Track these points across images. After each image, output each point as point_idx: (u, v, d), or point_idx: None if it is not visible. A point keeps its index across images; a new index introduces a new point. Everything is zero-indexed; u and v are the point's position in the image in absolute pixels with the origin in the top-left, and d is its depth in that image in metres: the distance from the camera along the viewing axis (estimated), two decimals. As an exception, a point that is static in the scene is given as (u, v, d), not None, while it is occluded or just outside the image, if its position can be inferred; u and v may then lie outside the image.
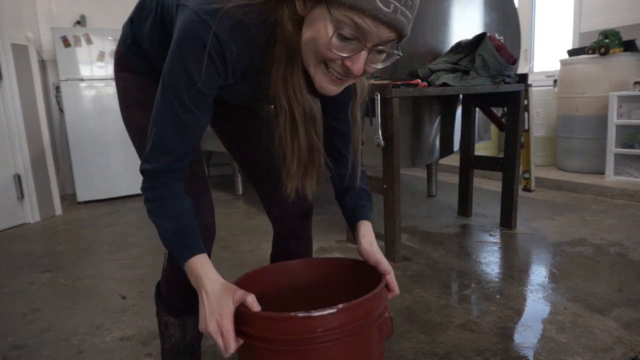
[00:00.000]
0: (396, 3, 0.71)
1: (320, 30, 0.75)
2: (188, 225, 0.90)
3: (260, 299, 0.85)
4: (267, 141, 1.19)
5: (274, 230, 1.30)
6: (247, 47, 0.82)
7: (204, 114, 0.88)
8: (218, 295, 0.84)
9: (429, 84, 2.27)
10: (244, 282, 0.98)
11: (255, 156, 1.23)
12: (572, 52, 3.81)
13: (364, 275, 1.03)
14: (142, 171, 0.91)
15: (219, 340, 0.81)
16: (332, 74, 0.80)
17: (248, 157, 1.25)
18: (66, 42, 3.71)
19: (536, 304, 1.73)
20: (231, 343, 0.81)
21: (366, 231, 1.06)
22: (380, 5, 0.71)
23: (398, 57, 0.81)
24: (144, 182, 0.92)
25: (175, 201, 0.90)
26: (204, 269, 0.87)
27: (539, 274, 2.01)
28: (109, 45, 3.86)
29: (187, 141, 0.89)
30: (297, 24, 0.80)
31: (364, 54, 0.76)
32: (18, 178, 3.20)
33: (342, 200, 1.13)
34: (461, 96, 2.75)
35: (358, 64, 0.77)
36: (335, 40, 0.75)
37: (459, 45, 2.42)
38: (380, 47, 0.77)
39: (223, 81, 0.86)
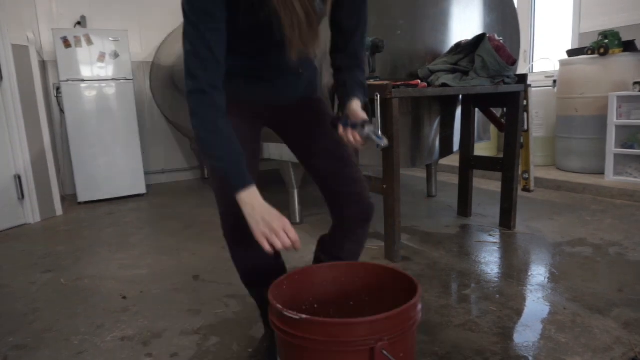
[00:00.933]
0: None
1: None
2: (239, 154, 1.04)
3: (303, 296, 1.10)
4: (333, 145, 1.30)
5: (334, 225, 1.33)
6: None
7: (223, 22, 1.02)
8: (265, 207, 1.02)
9: (429, 85, 2.27)
10: (294, 277, 1.12)
11: (324, 161, 1.29)
12: (571, 53, 3.81)
13: (398, 284, 1.11)
14: (190, 77, 1.01)
15: (279, 238, 0.98)
16: None
17: (318, 162, 1.30)
18: (67, 43, 3.72)
19: (536, 304, 1.73)
20: (293, 234, 0.99)
21: (357, 105, 1.21)
22: None
23: None
24: (190, 92, 1.02)
25: (221, 128, 1.03)
26: (257, 198, 1.03)
27: (538, 274, 2.01)
28: (109, 46, 3.86)
29: (220, 46, 1.03)
30: None
31: None
32: (18, 178, 3.20)
33: (337, 68, 1.28)
34: (461, 97, 2.76)
35: None
36: None
37: (459, 45, 2.43)
38: None
39: None
